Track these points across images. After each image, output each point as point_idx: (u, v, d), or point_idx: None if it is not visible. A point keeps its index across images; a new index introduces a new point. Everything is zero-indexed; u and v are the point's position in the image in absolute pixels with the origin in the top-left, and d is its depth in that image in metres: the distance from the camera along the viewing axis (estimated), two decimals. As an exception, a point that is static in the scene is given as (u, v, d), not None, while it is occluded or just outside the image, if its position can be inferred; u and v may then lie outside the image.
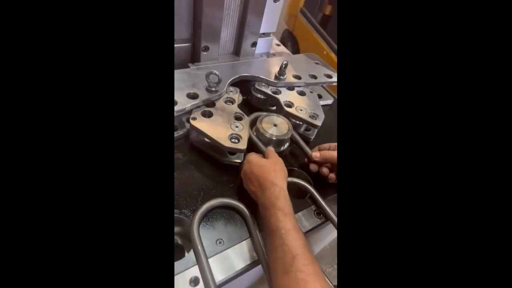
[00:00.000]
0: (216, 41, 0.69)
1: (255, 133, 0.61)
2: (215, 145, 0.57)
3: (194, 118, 0.57)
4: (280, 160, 0.51)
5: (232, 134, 0.56)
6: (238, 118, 0.61)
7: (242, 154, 0.59)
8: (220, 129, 0.56)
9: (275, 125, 0.61)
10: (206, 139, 0.57)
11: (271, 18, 0.74)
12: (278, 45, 0.98)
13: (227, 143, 0.54)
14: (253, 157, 0.51)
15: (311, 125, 0.65)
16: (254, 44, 0.75)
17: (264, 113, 0.63)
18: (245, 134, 0.57)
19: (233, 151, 0.58)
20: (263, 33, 0.77)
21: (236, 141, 0.56)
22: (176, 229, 0.52)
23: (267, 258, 0.43)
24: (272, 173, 0.46)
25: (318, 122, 0.64)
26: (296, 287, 0.33)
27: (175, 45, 0.67)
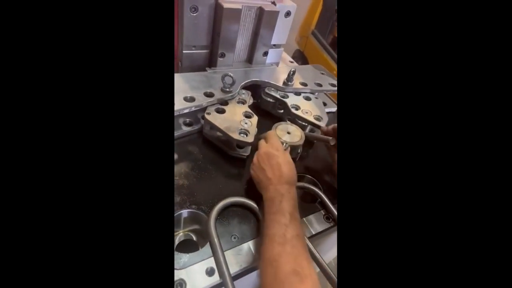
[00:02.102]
0: (232, 49, 0.76)
1: None
2: (225, 139, 0.63)
3: (209, 113, 0.63)
4: (274, 145, 0.54)
5: (241, 129, 0.62)
6: (248, 116, 0.67)
7: (249, 148, 0.65)
8: (231, 124, 0.62)
9: (288, 133, 0.64)
10: (218, 133, 0.63)
11: (282, 31, 0.82)
12: (292, 62, 1.03)
13: (236, 136, 0.60)
14: (255, 160, 0.54)
15: (315, 126, 0.70)
16: (265, 54, 0.83)
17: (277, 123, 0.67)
18: (253, 130, 0.63)
19: (241, 144, 0.64)
20: (274, 44, 0.84)
21: (245, 135, 0.61)
22: (193, 226, 0.56)
23: None
24: (262, 172, 0.51)
25: (322, 124, 0.69)
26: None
27: (195, 51, 0.75)
